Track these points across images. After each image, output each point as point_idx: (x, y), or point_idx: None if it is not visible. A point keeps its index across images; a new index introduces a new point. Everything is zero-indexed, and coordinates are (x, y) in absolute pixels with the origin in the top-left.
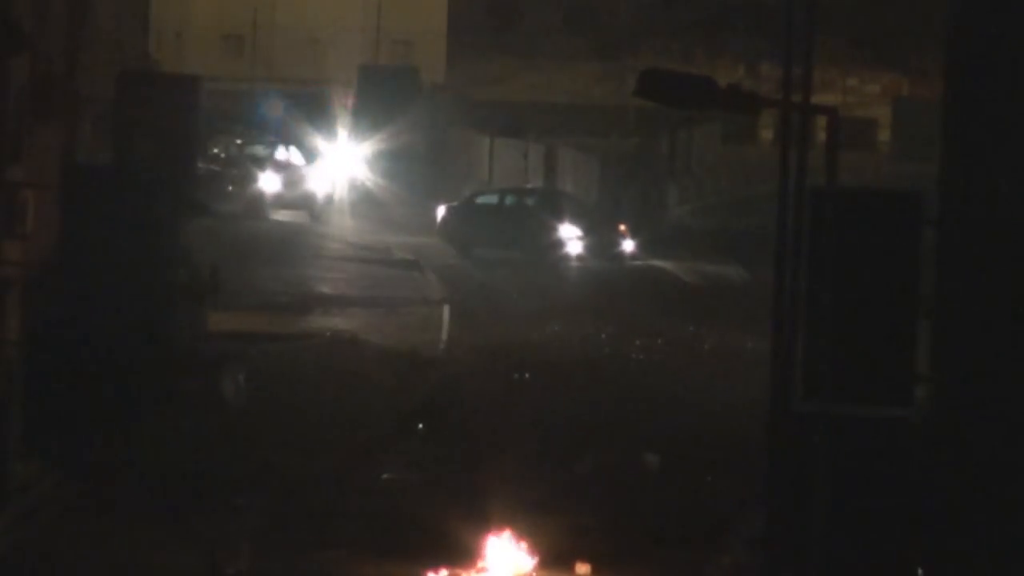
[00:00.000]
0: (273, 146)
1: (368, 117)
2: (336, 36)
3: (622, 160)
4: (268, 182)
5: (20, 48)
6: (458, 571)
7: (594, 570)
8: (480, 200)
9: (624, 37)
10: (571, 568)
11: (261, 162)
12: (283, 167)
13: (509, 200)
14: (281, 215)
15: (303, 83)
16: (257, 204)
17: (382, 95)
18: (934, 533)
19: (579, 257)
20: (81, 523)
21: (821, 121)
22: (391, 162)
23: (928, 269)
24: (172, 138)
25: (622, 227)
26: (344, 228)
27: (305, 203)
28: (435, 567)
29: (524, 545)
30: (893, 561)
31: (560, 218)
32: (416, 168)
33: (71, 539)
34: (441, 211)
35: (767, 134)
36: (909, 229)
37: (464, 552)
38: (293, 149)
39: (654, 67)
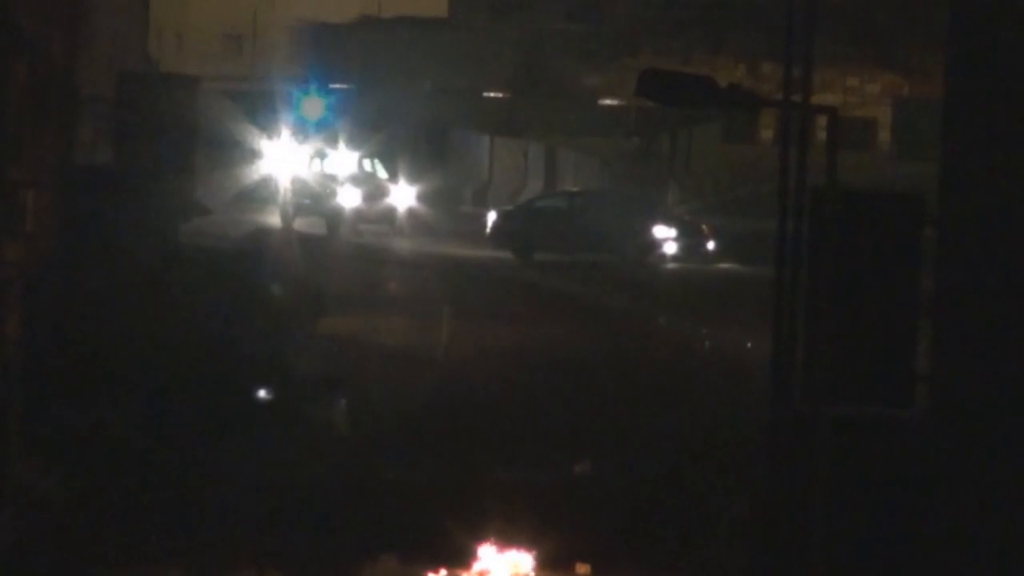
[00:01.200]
0: (357, 160)
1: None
2: None
3: (622, 160)
4: (348, 196)
5: (20, 48)
6: (458, 571)
7: (594, 570)
8: (543, 203)
9: (624, 37)
10: (571, 568)
11: (340, 176)
12: (363, 181)
13: (581, 202)
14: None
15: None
16: (336, 219)
17: (382, 95)
18: (934, 533)
19: (675, 258)
20: (82, 524)
21: (821, 121)
22: (390, 163)
23: (928, 269)
24: (172, 138)
25: (704, 227)
26: (383, 241)
27: (386, 218)
28: (435, 568)
29: (524, 545)
30: (893, 562)
31: (653, 218)
32: (416, 169)
33: (71, 540)
34: (492, 217)
35: (767, 134)
36: (909, 229)
37: (464, 552)
38: (376, 162)
39: (654, 67)
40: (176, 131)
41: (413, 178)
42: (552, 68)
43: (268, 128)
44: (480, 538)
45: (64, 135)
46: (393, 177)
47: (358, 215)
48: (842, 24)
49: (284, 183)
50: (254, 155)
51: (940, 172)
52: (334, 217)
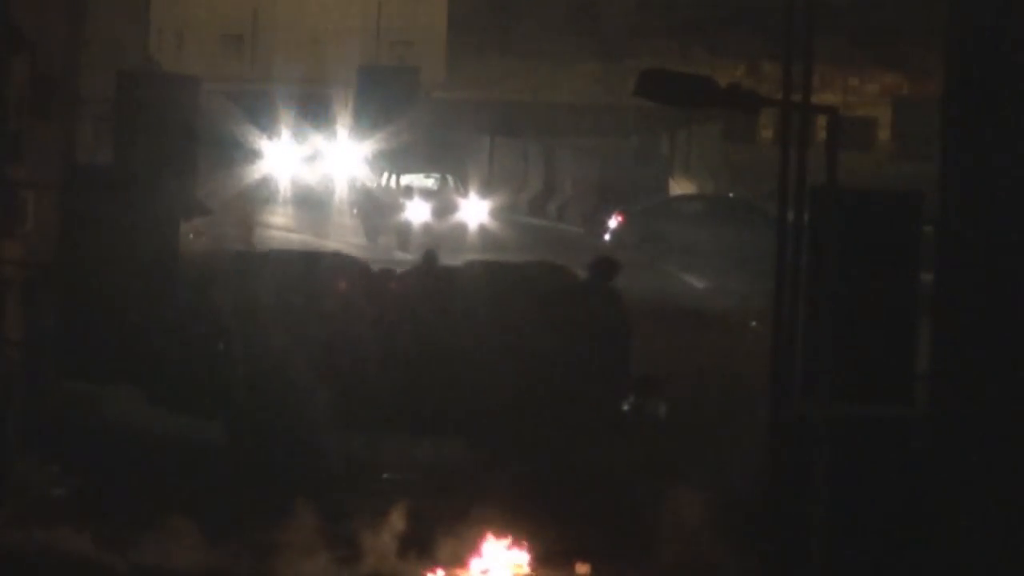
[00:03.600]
0: (433, 175)
1: (368, 117)
2: (336, 36)
3: (622, 160)
4: (416, 212)
5: (20, 48)
6: (457, 571)
7: (594, 570)
8: (681, 205)
9: (624, 37)
10: (571, 568)
11: (409, 190)
12: (433, 195)
13: (726, 206)
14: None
15: (306, 83)
16: (406, 235)
17: (382, 95)
18: (934, 533)
19: None
20: (82, 523)
21: (821, 121)
22: (391, 162)
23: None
24: (172, 138)
25: None
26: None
27: (455, 235)
28: (433, 567)
29: (523, 545)
30: (893, 561)
31: None
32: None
33: (72, 539)
34: (615, 220)
35: (767, 134)
36: (909, 229)
37: (463, 552)
38: (450, 177)
39: (654, 67)
40: (176, 131)
41: (485, 192)
42: (552, 68)
43: (268, 128)
44: (481, 537)
45: (64, 135)
46: (464, 191)
47: (425, 231)
48: (842, 24)
49: (362, 198)
50: (254, 155)
51: (939, 172)
52: (404, 233)
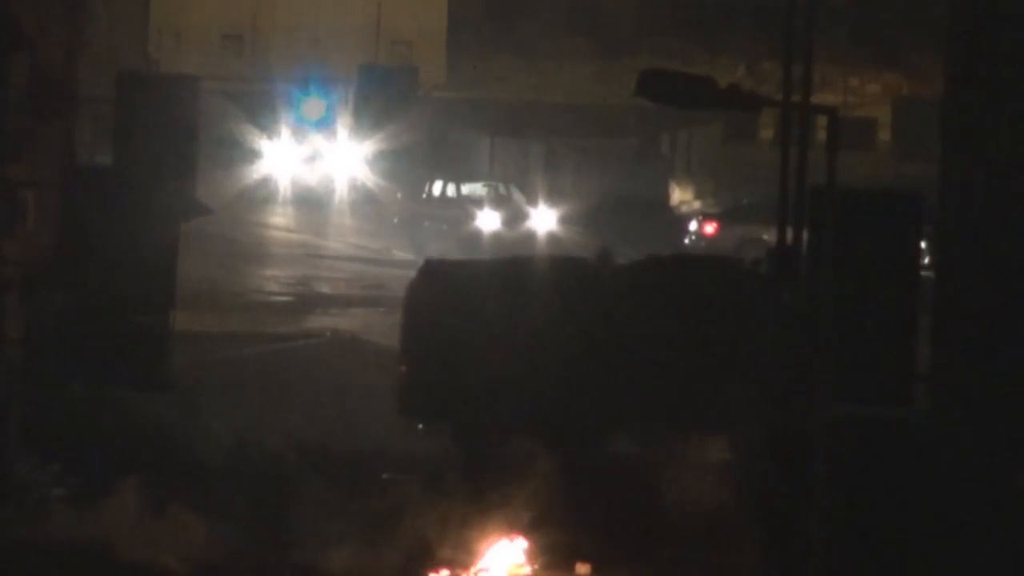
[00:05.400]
0: (492, 184)
1: (368, 117)
2: (336, 36)
3: (622, 160)
4: (486, 220)
5: (20, 48)
6: (458, 571)
7: (594, 570)
8: (753, 210)
9: (624, 37)
10: (571, 568)
11: (478, 200)
12: (502, 204)
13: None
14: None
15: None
16: (473, 244)
17: (382, 95)
18: (934, 533)
19: None
20: (81, 522)
21: (821, 121)
22: (391, 162)
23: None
24: (172, 138)
25: None
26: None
27: (527, 242)
28: (435, 567)
29: (524, 545)
30: (893, 560)
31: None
32: (416, 168)
33: (71, 538)
34: (710, 227)
35: (767, 134)
36: (909, 229)
37: (464, 552)
38: (513, 187)
39: (654, 67)
40: (176, 131)
41: (552, 201)
42: (552, 68)
43: (268, 128)
44: (482, 537)
45: (64, 135)
46: (533, 200)
47: (496, 239)
48: (842, 24)
49: (408, 206)
50: (254, 155)
51: (939, 172)
52: (473, 241)
